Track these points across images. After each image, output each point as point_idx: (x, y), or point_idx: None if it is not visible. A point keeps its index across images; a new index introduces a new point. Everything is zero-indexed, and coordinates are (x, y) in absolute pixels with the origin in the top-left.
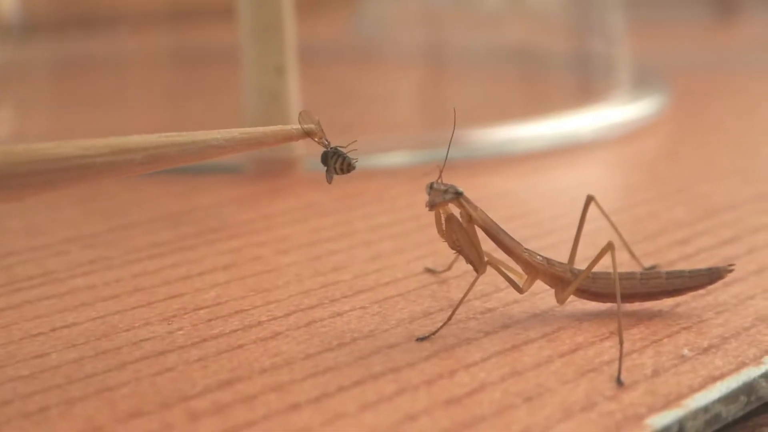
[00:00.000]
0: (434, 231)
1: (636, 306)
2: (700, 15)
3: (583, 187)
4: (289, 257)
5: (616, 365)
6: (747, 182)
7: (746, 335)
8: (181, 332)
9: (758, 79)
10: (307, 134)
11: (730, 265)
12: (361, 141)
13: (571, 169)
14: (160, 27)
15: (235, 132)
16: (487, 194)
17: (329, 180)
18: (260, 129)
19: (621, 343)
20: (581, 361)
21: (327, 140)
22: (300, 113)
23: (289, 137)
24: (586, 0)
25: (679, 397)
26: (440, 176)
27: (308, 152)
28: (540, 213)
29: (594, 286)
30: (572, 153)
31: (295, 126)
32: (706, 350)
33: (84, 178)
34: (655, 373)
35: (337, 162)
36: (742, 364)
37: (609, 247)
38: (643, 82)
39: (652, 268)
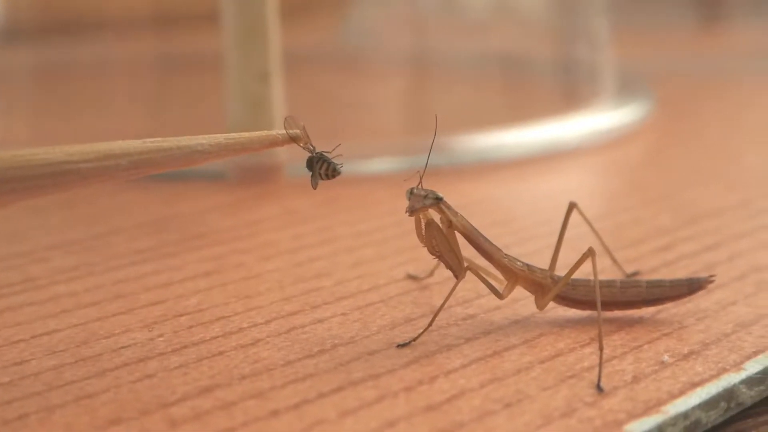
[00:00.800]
0: (416, 237)
1: (617, 313)
2: (685, 21)
3: (566, 194)
4: (272, 264)
5: (596, 371)
6: (731, 189)
7: (727, 341)
8: (161, 339)
9: (742, 86)
10: (293, 140)
11: (711, 275)
12: (345, 147)
13: (555, 175)
14: (143, 33)
15: (221, 138)
16: (470, 201)
17: (314, 185)
18: (245, 134)
19: (601, 349)
20: (562, 368)
21: (312, 146)
22: (285, 118)
23: (275, 143)
24: (572, 6)
25: (659, 403)
26: (420, 182)
27: (291, 158)
28: (523, 220)
29: (574, 293)
30: (556, 160)
31: (280, 131)
32: (686, 356)
33: (69, 184)
34: (635, 379)
35: (322, 167)
36: (723, 370)
37: (589, 254)
38: (627, 88)
39: (634, 274)
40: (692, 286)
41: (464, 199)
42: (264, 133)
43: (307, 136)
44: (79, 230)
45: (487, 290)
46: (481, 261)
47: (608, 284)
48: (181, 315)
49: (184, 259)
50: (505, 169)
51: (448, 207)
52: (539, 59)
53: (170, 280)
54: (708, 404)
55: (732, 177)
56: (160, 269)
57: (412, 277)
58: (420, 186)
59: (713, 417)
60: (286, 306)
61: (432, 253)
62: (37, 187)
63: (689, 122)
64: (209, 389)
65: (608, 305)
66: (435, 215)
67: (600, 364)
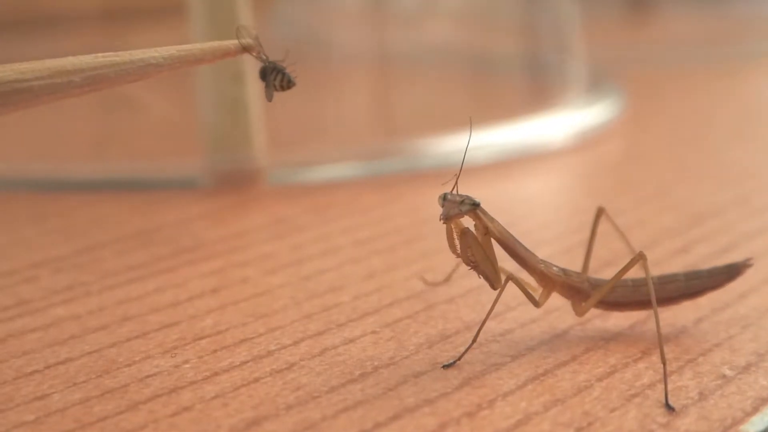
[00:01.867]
0: (423, 245)
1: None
2: (610, 13)
3: (558, 195)
4: (277, 278)
5: (659, 389)
6: (724, 185)
7: None
8: (187, 366)
9: (693, 75)
10: (245, 49)
11: (749, 259)
12: (319, 151)
13: (540, 176)
14: (100, 28)
15: (173, 49)
16: None
17: (269, 98)
18: (198, 45)
19: (664, 363)
20: (622, 386)
21: (265, 55)
22: (237, 28)
23: (227, 53)
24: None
25: (735, 422)
26: (455, 186)
27: (271, 164)
28: (522, 224)
29: (613, 296)
30: (536, 160)
31: (232, 41)
32: (746, 368)
33: (22, 103)
34: (702, 396)
35: (276, 78)
36: None
37: (640, 257)
38: (595, 83)
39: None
40: (731, 273)
41: None
42: (216, 43)
43: (260, 45)
44: (61, 245)
45: (516, 302)
46: (509, 266)
47: (644, 282)
48: (201, 338)
49: (183, 274)
50: (485, 171)
51: (485, 213)
52: (503, 55)
53: (176, 298)
54: None
55: (721, 172)
56: (162, 287)
57: (424, 281)
58: (455, 191)
59: None
60: (310, 325)
61: (467, 264)
62: None
63: (660, 115)
64: (256, 422)
65: (647, 303)
66: (469, 222)
67: (665, 381)
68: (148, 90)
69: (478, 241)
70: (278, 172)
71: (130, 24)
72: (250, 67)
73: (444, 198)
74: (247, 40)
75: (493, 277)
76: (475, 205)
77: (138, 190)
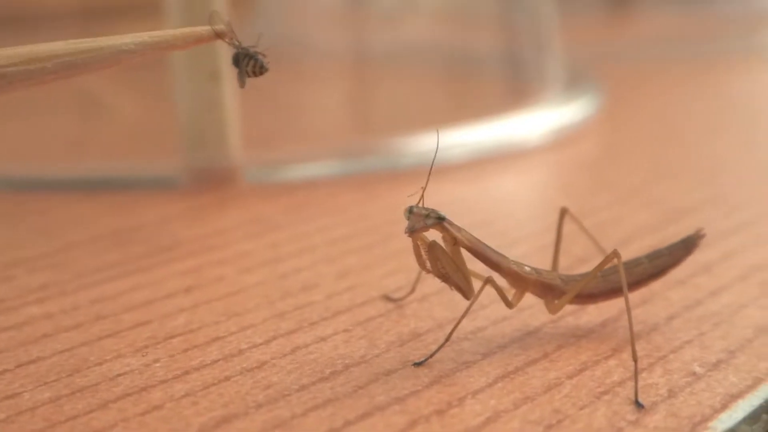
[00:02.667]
0: (399, 244)
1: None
2: (590, 9)
3: (533, 193)
4: (253, 276)
5: (628, 386)
6: (700, 182)
7: (751, 348)
8: (158, 364)
9: (672, 72)
10: (218, 35)
11: (700, 229)
12: (295, 150)
13: (516, 175)
14: (79, 26)
15: (145, 36)
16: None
17: (241, 84)
18: (170, 31)
19: (635, 360)
20: (591, 383)
21: (238, 41)
22: (210, 13)
23: (200, 39)
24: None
25: (704, 418)
26: (421, 200)
27: (247, 163)
28: (497, 223)
29: (584, 289)
30: (513, 158)
31: (205, 27)
32: (716, 366)
33: None
34: (672, 393)
35: (249, 64)
36: (758, 380)
37: (614, 255)
38: (574, 81)
39: None
40: (688, 246)
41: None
42: (189, 29)
43: (233, 31)
44: (37, 245)
45: (488, 300)
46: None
47: (614, 270)
48: (173, 336)
49: (159, 273)
50: (461, 169)
51: (451, 224)
52: (481, 53)
53: (150, 297)
54: (752, 417)
55: (695, 170)
56: (137, 285)
57: (389, 299)
58: (421, 204)
59: (756, 431)
60: (282, 323)
61: (437, 276)
62: None
63: (637, 113)
64: (226, 420)
65: (618, 292)
66: (436, 234)
67: (636, 378)
68: (124, 89)
69: (447, 252)
70: (255, 171)
71: (109, 22)
72: (227, 66)
73: (410, 211)
74: (220, 26)
75: (465, 288)
76: (441, 219)
77: (115, 189)
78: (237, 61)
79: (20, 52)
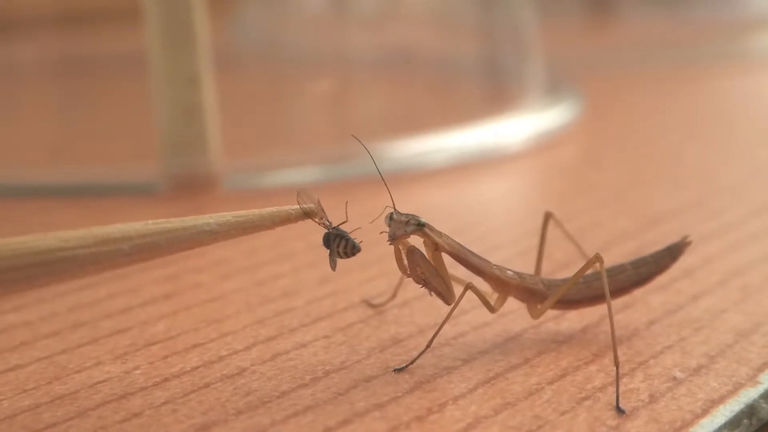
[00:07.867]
0: (380, 249)
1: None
2: (571, 17)
3: (513, 199)
4: (232, 283)
5: (609, 391)
6: (680, 188)
7: (732, 352)
8: (138, 371)
9: (653, 78)
10: (307, 215)
11: (686, 237)
12: (275, 156)
13: (496, 180)
14: (56, 31)
15: (229, 216)
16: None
17: (333, 266)
18: (256, 211)
19: (617, 365)
20: (572, 388)
21: (328, 221)
22: (298, 192)
23: (288, 219)
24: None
25: (685, 424)
26: (393, 207)
27: (227, 169)
28: (478, 228)
29: (567, 294)
30: (493, 164)
31: (293, 207)
32: (696, 371)
33: (66, 273)
34: (653, 398)
35: (340, 245)
36: (739, 385)
37: (596, 259)
38: (555, 86)
39: None
40: (674, 253)
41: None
42: (276, 209)
43: (323, 210)
44: None
45: (469, 305)
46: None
47: (596, 277)
48: (152, 344)
49: (137, 280)
50: (442, 174)
51: (432, 229)
52: (463, 58)
53: (129, 304)
54: (733, 423)
55: (676, 175)
56: (115, 292)
57: (369, 304)
58: (398, 211)
59: None
60: (262, 330)
61: (417, 282)
62: (27, 278)
63: (618, 118)
64: (205, 427)
65: (600, 298)
66: (417, 239)
67: (617, 383)
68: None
69: (426, 258)
70: (235, 177)
71: (88, 27)
72: (206, 70)
73: (390, 218)
74: (309, 206)
75: (445, 293)
76: (421, 226)
77: (93, 195)
78: (328, 242)
79: (93, 233)
